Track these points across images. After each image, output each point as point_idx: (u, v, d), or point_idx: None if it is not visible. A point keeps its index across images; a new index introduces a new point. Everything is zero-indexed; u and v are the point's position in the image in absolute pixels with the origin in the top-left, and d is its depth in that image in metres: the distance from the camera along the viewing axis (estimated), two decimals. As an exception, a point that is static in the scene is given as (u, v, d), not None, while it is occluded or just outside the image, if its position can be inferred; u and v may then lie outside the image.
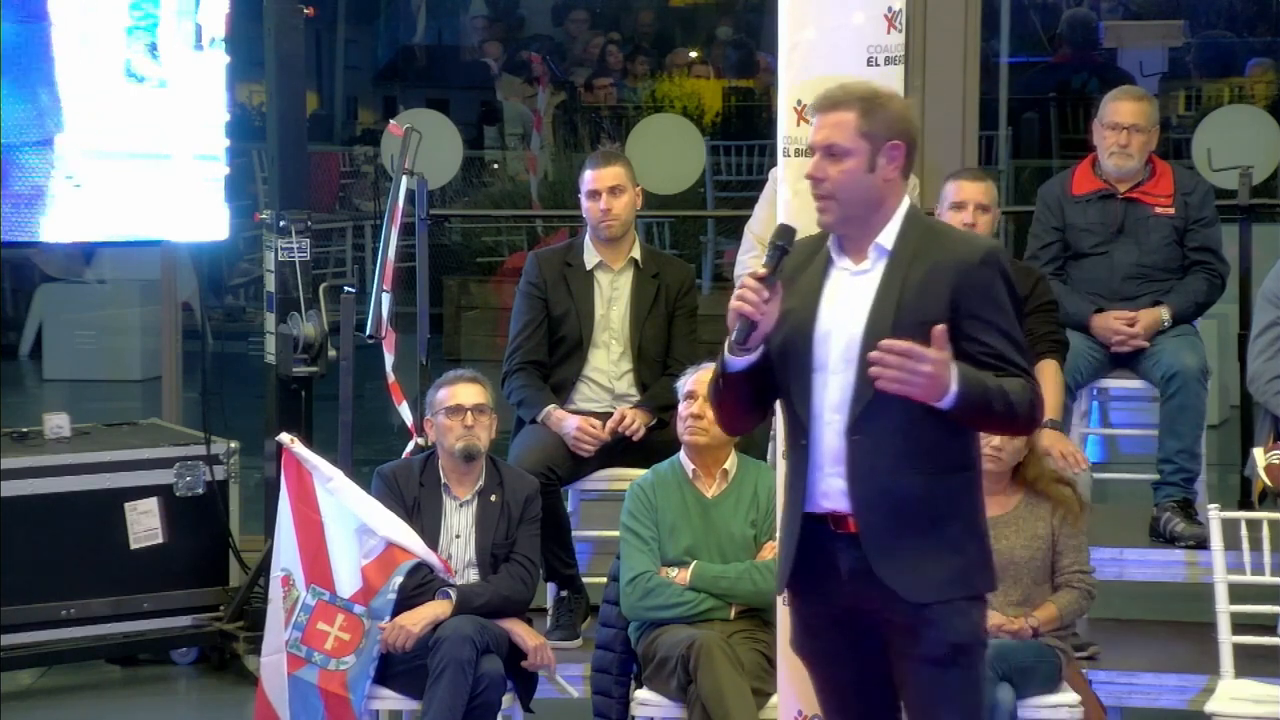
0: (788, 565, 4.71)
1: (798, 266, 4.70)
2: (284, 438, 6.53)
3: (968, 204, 6.93)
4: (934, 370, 4.44)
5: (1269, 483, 6.52)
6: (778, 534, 4.99)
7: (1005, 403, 4.55)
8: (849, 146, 4.61)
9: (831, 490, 4.63)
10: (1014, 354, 4.60)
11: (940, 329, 4.48)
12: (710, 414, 6.37)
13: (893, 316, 4.57)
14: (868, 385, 4.53)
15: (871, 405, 4.56)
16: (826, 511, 4.64)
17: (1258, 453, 6.57)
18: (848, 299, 4.65)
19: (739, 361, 4.65)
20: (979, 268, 4.60)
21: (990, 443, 6.29)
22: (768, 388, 4.72)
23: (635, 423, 6.96)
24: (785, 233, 4.66)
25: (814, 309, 4.65)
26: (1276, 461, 6.48)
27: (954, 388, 4.47)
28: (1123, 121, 7.27)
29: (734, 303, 4.59)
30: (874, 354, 4.46)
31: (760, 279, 4.57)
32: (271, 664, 6.44)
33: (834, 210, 4.64)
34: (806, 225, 4.92)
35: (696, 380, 6.42)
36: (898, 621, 4.63)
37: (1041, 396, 4.66)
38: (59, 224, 7.55)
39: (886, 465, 4.58)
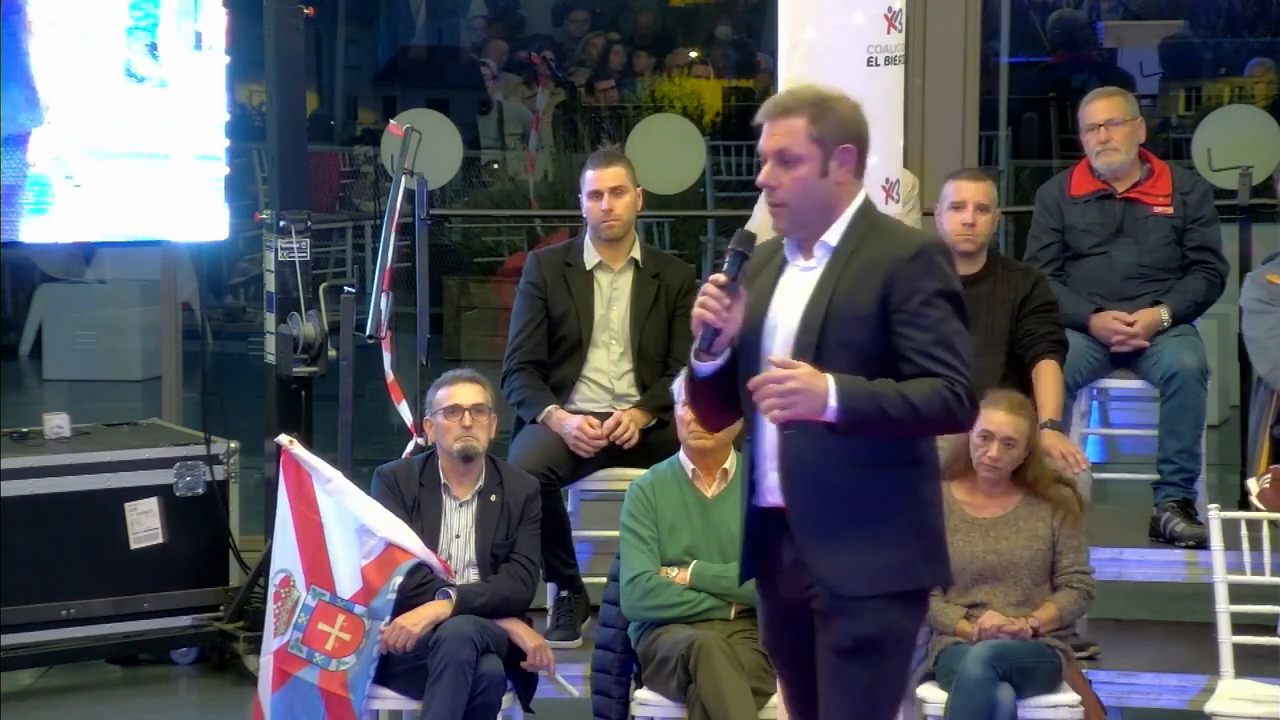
0: (743, 560, 4.77)
1: (759, 266, 4.70)
2: (282, 439, 6.53)
3: (967, 204, 6.94)
4: (801, 385, 4.41)
5: (1263, 508, 6.57)
6: None
7: (907, 407, 4.47)
8: (801, 153, 4.59)
9: (773, 485, 4.65)
10: (938, 350, 4.53)
11: (778, 358, 4.48)
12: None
13: (824, 310, 4.57)
14: None
15: None
16: (770, 506, 4.67)
17: (1251, 483, 6.64)
18: (793, 296, 4.65)
19: (705, 367, 4.65)
20: (910, 262, 4.56)
21: (987, 454, 6.30)
22: (735, 389, 4.71)
23: (629, 431, 6.94)
24: (746, 239, 4.64)
25: (765, 306, 4.65)
26: (1268, 487, 6.53)
27: (833, 402, 4.42)
28: (1097, 119, 7.28)
29: (696, 310, 4.57)
30: (752, 385, 4.46)
31: (721, 286, 4.55)
32: (264, 665, 6.46)
33: (786, 216, 4.64)
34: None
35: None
36: (821, 610, 4.64)
37: (964, 395, 4.52)
38: (59, 224, 7.55)
39: (816, 459, 4.57)
